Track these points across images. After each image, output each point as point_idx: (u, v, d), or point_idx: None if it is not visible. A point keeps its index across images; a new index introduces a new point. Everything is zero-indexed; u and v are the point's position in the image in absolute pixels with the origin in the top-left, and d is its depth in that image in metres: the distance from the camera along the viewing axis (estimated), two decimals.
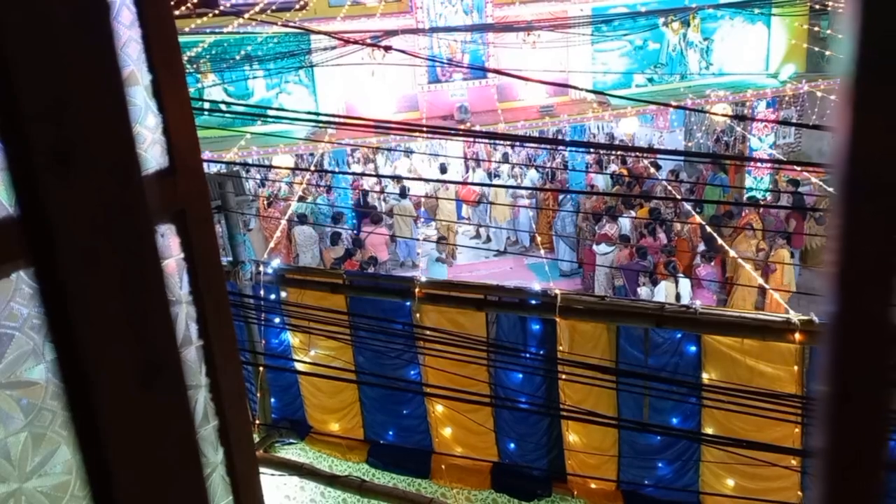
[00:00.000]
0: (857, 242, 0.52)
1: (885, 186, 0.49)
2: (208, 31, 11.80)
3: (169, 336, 0.58)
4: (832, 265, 0.54)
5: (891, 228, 0.51)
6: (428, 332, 5.77)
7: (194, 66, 12.18)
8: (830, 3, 12.98)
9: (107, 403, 0.53)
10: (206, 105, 11.90)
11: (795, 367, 5.37)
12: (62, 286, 0.53)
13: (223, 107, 11.99)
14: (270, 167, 14.17)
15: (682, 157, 15.03)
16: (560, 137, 16.96)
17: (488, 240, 14.80)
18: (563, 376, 5.85)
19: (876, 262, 0.52)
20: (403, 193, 13.97)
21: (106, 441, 0.53)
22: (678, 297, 9.60)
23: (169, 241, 1.03)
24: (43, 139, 0.63)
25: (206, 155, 10.51)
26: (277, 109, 10.39)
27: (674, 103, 11.52)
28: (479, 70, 13.09)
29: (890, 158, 0.49)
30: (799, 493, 5.70)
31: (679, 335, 5.78)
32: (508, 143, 16.25)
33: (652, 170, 13.70)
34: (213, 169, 9.60)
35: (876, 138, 0.49)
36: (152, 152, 0.99)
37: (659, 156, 14.95)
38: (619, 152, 15.58)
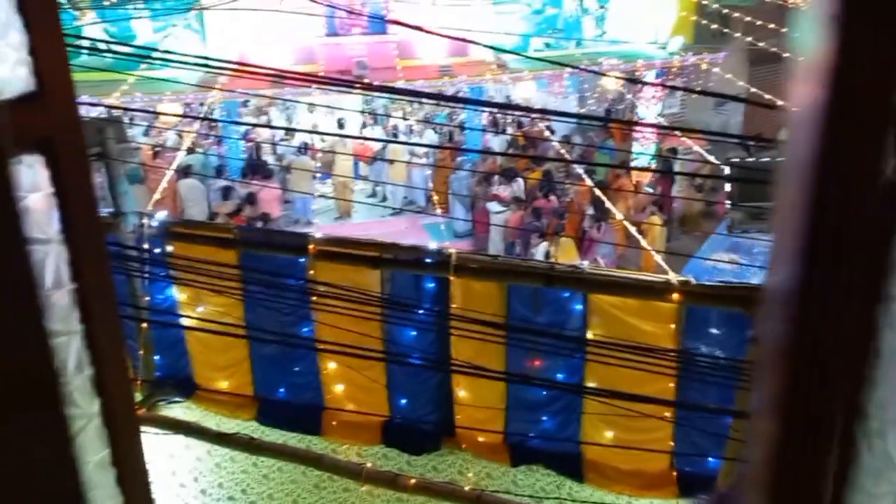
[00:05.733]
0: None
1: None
2: None
3: (41, 350, 0.52)
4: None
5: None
6: (322, 288, 5.69)
7: (71, 2, 11.30)
8: None
9: None
10: (85, 44, 11.07)
11: (673, 325, 5.68)
12: None
13: (103, 47, 11.20)
14: (156, 114, 13.43)
15: (574, 121, 15.38)
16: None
17: (384, 199, 14.71)
18: (455, 333, 5.94)
19: None
20: (303, 149, 13.62)
21: None
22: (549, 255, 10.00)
23: (36, 172, 0.94)
24: None
25: (83, 98, 9.82)
26: (165, 52, 9.80)
27: (569, 68, 11.74)
28: (378, 23, 12.84)
29: None
30: (671, 442, 6.08)
31: (567, 294, 5.98)
32: (406, 100, 16.11)
33: (547, 133, 13.95)
34: (92, 114, 8.99)
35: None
36: (16, 73, 0.90)
37: (553, 120, 15.24)
38: (515, 115, 15.77)
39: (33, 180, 0.93)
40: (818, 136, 0.60)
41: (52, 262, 0.99)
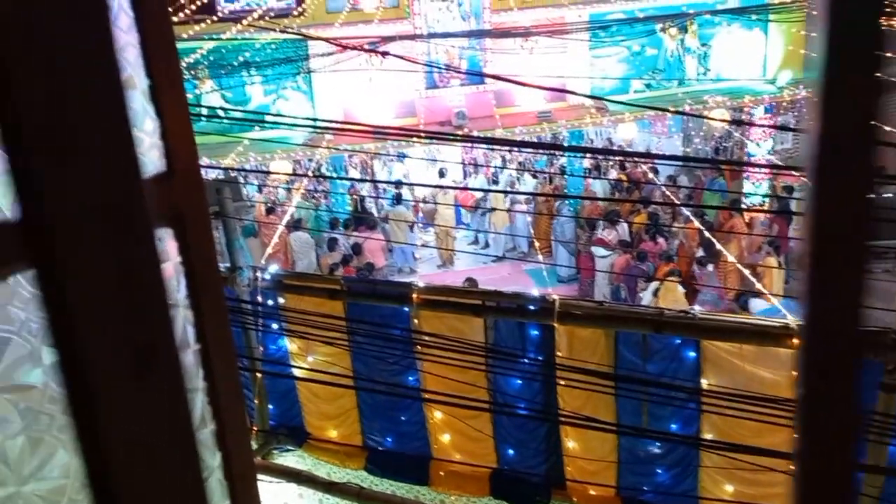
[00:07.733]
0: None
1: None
2: (206, 37, 11.81)
3: (163, 323, 0.59)
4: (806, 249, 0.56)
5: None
6: (426, 338, 5.76)
7: (192, 72, 12.19)
8: None
9: (102, 386, 0.54)
10: (204, 111, 11.89)
11: (794, 372, 5.37)
12: (60, 280, 0.53)
13: (221, 113, 11.99)
14: (268, 173, 14.17)
15: (680, 163, 15.05)
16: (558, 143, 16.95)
17: (486, 245, 14.80)
18: (562, 382, 5.84)
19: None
20: (398, 199, 13.99)
21: (102, 421, 0.53)
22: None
23: (166, 244, 1.03)
24: (42, 141, 0.63)
25: (203, 161, 10.51)
26: (275, 115, 10.40)
27: (672, 109, 11.56)
28: (476, 76, 13.12)
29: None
30: None
31: (678, 341, 5.77)
32: (506, 148, 16.27)
33: (650, 175, 13.70)
34: (210, 175, 9.60)
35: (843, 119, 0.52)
36: (150, 156, 0.99)
37: (657, 161, 14.97)
38: (617, 158, 15.60)
39: (163, 251, 1.02)
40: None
41: (179, 324, 1.07)
